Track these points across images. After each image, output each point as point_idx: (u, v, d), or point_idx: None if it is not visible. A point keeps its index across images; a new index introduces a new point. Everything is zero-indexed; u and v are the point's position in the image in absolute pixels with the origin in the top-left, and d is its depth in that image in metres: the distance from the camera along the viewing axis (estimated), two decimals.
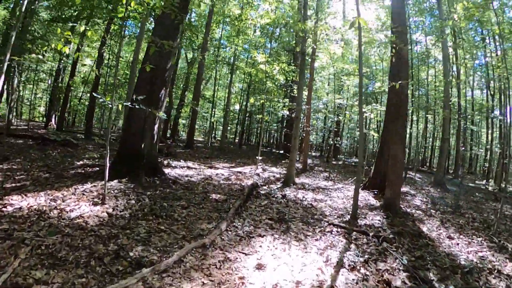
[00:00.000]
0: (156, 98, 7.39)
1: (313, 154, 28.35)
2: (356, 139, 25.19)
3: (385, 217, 6.88)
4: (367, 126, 29.19)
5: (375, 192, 9.27)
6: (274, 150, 27.55)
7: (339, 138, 23.71)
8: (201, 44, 18.48)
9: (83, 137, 16.22)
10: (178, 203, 5.78)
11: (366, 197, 8.97)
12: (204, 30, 17.87)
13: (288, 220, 5.70)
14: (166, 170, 8.78)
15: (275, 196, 7.57)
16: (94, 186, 6.38)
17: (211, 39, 22.29)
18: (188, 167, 10.29)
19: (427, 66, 20.30)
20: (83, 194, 5.84)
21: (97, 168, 8.06)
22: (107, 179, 5.42)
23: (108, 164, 5.41)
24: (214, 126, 34.55)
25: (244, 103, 28.47)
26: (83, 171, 7.77)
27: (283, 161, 17.80)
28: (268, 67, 13.82)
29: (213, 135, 34.69)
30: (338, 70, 18.26)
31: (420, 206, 8.52)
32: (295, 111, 9.54)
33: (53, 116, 20.81)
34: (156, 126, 7.59)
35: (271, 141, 35.40)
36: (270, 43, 17.37)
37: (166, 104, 9.86)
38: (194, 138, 34.45)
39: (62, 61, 20.78)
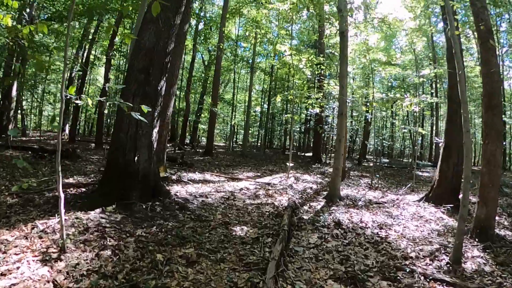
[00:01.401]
0: (152, 91, 5.17)
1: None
2: (381, 138, 22.35)
3: (486, 251, 4.43)
4: (411, 122, 26.16)
5: (448, 208, 6.71)
6: (299, 153, 25.05)
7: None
8: (217, 42, 16.37)
9: (93, 146, 14.47)
10: (183, 252, 3.48)
11: (436, 214, 6.47)
12: (220, 24, 15.70)
13: (362, 278, 3.29)
14: (175, 188, 6.56)
15: (325, 223, 5.14)
16: (65, 220, 4.22)
17: (227, 38, 20.18)
18: (205, 181, 8.03)
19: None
20: (40, 238, 3.69)
21: (84, 189, 5.95)
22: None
23: (61, 195, 3.21)
24: (235, 130, 32.37)
25: (265, 105, 26.17)
26: (64, 193, 5.66)
27: (313, 166, 15.32)
28: (295, 58, 11.43)
29: (235, 139, 32.51)
30: (368, 61, 15.60)
31: None
32: (339, 105, 7.11)
33: (66, 125, 19.27)
34: (155, 130, 5.36)
35: (295, 144, 32.75)
36: (291, 33, 14.92)
37: (172, 104, 7.70)
38: (215, 143, 32.44)
39: (75, 69, 19.33)
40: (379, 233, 5.04)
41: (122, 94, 5.22)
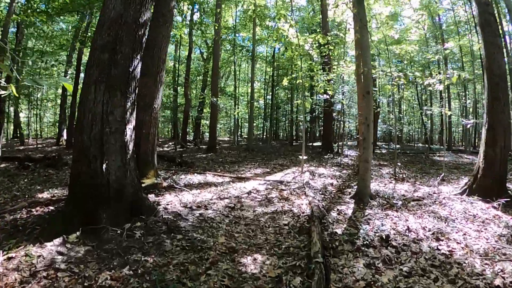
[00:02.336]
0: (121, 74, 3.75)
1: (349, 143, 24.01)
2: (388, 123, 20.51)
3: None
4: (427, 102, 24.40)
5: (502, 203, 5.26)
6: (307, 143, 23.56)
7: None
8: (214, 33, 14.84)
9: None
10: None
11: (489, 211, 5.08)
12: (215, 12, 14.17)
13: None
14: (167, 198, 5.18)
15: (368, 239, 3.71)
16: (11, 260, 2.95)
17: (225, 28, 18.61)
18: (206, 184, 6.64)
19: None
20: None
21: (53, 208, 4.62)
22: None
23: None
24: (239, 124, 30.92)
25: (269, 96, 24.64)
26: (27, 215, 4.35)
27: (325, 157, 13.87)
28: (301, 38, 9.91)
29: (239, 132, 31.07)
30: (384, 35, 13.92)
31: None
32: (364, 82, 5.61)
33: (63, 131, 18.02)
34: (130, 127, 3.94)
35: (300, 134, 31.08)
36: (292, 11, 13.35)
37: (161, 96, 6.35)
38: (219, 138, 31.09)
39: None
40: (439, 247, 3.63)
41: (83, 82, 3.84)
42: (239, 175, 8.09)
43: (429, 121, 25.07)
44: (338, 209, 5.00)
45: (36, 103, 23.77)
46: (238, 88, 25.66)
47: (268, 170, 9.38)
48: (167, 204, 4.73)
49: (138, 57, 3.97)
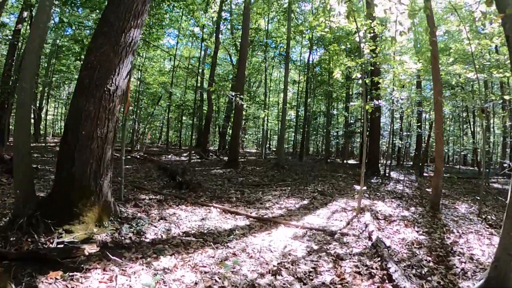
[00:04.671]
0: None
1: (386, 162, 19.93)
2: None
3: None
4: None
5: None
6: (339, 160, 20.06)
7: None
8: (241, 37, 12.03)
9: None
10: None
11: None
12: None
13: None
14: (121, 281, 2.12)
15: None
16: None
17: (256, 30, 15.89)
18: (197, 236, 3.52)
19: None
20: None
21: None
22: None
23: None
24: (268, 135, 27.78)
25: (302, 107, 21.42)
26: None
27: (372, 181, 10.38)
28: (359, 19, 6.66)
29: (268, 145, 27.88)
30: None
31: None
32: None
33: None
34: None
35: (331, 149, 26.83)
36: None
37: (127, 71, 3.36)
38: (246, 150, 28.01)
39: None
40: None
41: None
42: (262, 213, 4.91)
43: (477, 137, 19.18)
44: None
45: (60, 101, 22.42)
46: (268, 97, 22.61)
47: (306, 202, 6.12)
48: None
49: None
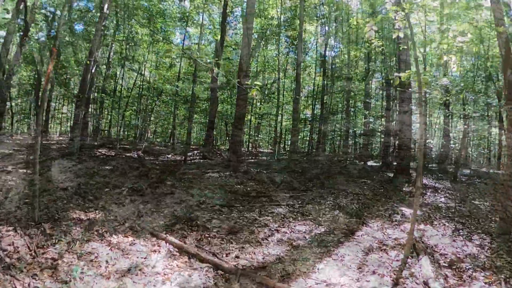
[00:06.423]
0: None
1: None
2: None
3: None
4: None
5: None
6: (356, 161, 17.54)
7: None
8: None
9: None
10: None
11: None
12: None
13: None
14: None
15: None
16: None
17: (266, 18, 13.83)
18: None
19: None
20: None
21: None
22: None
23: None
24: (283, 134, 25.37)
25: (318, 105, 19.05)
26: None
27: (404, 189, 8.11)
28: None
29: (283, 145, 25.47)
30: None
31: None
32: None
33: None
34: None
35: (348, 150, 23.63)
36: None
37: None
38: (260, 150, 25.63)
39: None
40: None
41: None
42: (246, 257, 2.83)
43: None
44: None
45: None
46: (283, 95, 20.34)
47: (322, 230, 3.96)
48: None
49: None
